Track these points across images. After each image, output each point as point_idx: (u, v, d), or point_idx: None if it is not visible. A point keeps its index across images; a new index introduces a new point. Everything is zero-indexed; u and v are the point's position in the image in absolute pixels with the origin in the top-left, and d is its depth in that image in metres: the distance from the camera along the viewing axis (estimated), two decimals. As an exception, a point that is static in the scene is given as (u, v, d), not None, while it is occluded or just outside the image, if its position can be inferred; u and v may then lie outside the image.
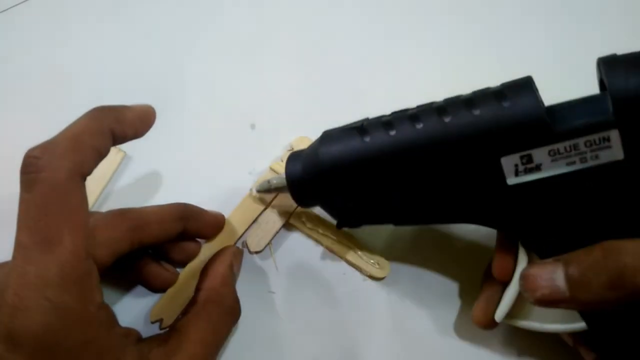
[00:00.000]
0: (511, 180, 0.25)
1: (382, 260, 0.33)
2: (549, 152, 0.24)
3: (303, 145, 0.36)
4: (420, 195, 0.27)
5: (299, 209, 0.34)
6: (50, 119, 0.38)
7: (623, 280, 0.22)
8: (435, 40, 0.41)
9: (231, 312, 0.30)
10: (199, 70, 0.40)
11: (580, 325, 0.26)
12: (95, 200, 0.35)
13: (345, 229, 0.34)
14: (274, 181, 0.32)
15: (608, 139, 0.23)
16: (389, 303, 0.33)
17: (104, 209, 0.35)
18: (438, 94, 0.39)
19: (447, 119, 0.25)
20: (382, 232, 0.34)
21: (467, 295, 0.33)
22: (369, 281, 0.33)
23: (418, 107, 0.27)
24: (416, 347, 0.32)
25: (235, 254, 0.32)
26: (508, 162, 0.24)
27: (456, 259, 0.33)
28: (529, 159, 0.24)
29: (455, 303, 0.33)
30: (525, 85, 0.24)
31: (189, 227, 0.31)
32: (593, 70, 0.25)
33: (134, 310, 0.33)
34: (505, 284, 0.28)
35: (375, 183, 0.27)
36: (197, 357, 0.26)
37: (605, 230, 0.24)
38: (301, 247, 0.34)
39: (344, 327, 0.32)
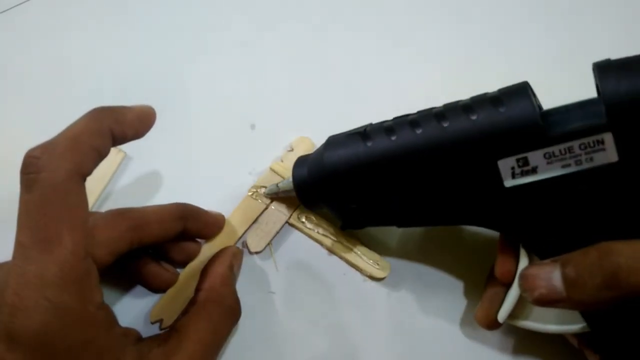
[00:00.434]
0: (508, 183, 0.25)
1: (382, 260, 0.33)
2: (545, 155, 0.24)
3: (303, 145, 0.36)
4: (421, 197, 0.27)
5: (300, 209, 0.35)
6: (51, 119, 0.38)
7: (617, 280, 0.22)
8: (435, 41, 0.41)
9: (231, 312, 0.30)
10: (199, 71, 0.40)
11: (581, 326, 0.26)
12: (95, 200, 0.35)
13: (350, 230, 0.34)
14: (282, 185, 0.33)
15: (602, 142, 0.23)
16: (389, 303, 0.33)
17: (104, 209, 0.35)
18: (437, 93, 0.39)
19: (445, 124, 0.26)
20: (384, 232, 0.34)
21: (470, 296, 0.33)
22: (369, 281, 0.33)
23: (419, 112, 0.27)
24: (416, 347, 0.32)
25: (235, 254, 0.32)
26: (505, 165, 0.25)
27: (457, 259, 0.33)
28: (525, 161, 0.25)
29: (455, 303, 0.33)
30: (521, 91, 0.25)
31: (189, 227, 0.31)
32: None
33: (133, 310, 0.33)
34: (508, 285, 0.28)
35: (378, 186, 0.28)
36: (197, 357, 0.26)
37: (601, 232, 0.24)
38: (301, 247, 0.34)
39: (344, 328, 0.32)
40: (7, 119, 0.39)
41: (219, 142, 0.38)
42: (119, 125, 0.26)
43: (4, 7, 0.43)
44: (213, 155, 0.37)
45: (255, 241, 0.34)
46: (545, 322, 0.28)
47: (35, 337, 0.22)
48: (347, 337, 0.32)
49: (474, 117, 0.25)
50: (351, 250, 0.33)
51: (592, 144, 0.23)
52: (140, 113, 0.27)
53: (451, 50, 0.40)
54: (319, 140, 0.37)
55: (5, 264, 0.28)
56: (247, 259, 0.34)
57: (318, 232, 0.34)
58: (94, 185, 0.35)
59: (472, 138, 0.25)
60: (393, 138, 0.27)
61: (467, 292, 0.33)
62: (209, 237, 0.33)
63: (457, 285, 0.33)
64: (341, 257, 0.34)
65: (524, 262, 0.27)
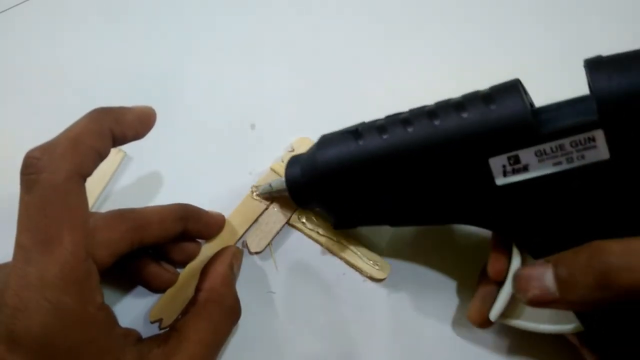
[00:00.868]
0: (499, 181, 0.25)
1: (382, 261, 0.33)
2: (536, 152, 0.24)
3: (304, 145, 0.36)
4: (413, 196, 0.27)
5: (300, 210, 0.35)
6: (50, 120, 0.38)
7: (608, 280, 0.22)
8: (435, 41, 0.41)
9: (231, 312, 0.30)
10: (199, 71, 0.40)
11: (574, 326, 0.26)
12: (95, 200, 0.35)
13: (347, 230, 0.34)
14: (274, 184, 0.33)
15: (593, 139, 0.23)
16: (388, 304, 0.33)
17: (104, 209, 0.35)
18: (438, 93, 0.39)
19: (437, 122, 0.26)
20: (382, 232, 0.34)
21: (465, 295, 0.33)
22: (369, 282, 0.33)
23: (411, 111, 0.27)
24: (416, 348, 0.32)
25: (235, 254, 0.32)
26: (496, 163, 0.25)
27: (457, 259, 0.33)
28: (516, 159, 0.24)
29: (456, 303, 0.33)
30: (512, 88, 0.25)
31: (189, 227, 0.31)
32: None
33: (134, 310, 0.33)
34: (500, 284, 0.28)
35: (370, 185, 0.28)
36: (197, 357, 0.26)
37: (593, 230, 0.24)
38: (301, 247, 0.34)
39: (343, 328, 0.32)
40: (7, 119, 0.39)
41: (219, 142, 0.38)
42: (119, 126, 0.26)
43: (4, 7, 0.43)
44: (213, 155, 0.37)
45: (255, 241, 0.34)
46: (538, 321, 0.28)
47: (36, 338, 0.22)
48: (347, 337, 0.32)
49: (465, 115, 0.25)
50: (351, 250, 0.34)
51: (583, 142, 0.23)
52: (141, 114, 0.27)
53: (451, 49, 0.40)
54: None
55: (6, 265, 0.28)
56: (247, 259, 0.34)
57: (318, 233, 0.34)
58: (93, 185, 0.35)
59: (463, 136, 0.25)
60: (385, 137, 0.27)
61: (464, 292, 0.33)
62: (209, 237, 0.33)
63: (457, 285, 0.33)
64: (341, 258, 0.34)
65: (516, 260, 0.27)
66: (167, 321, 0.31)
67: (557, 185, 0.24)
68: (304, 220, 0.34)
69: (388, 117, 0.28)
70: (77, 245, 0.23)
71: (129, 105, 0.27)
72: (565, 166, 0.24)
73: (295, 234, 0.35)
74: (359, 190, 0.28)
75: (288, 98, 0.39)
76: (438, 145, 0.25)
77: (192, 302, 0.29)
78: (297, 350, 0.32)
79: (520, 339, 0.32)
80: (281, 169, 0.35)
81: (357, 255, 0.33)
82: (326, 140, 0.29)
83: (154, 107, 0.28)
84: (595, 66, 0.23)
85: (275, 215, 0.34)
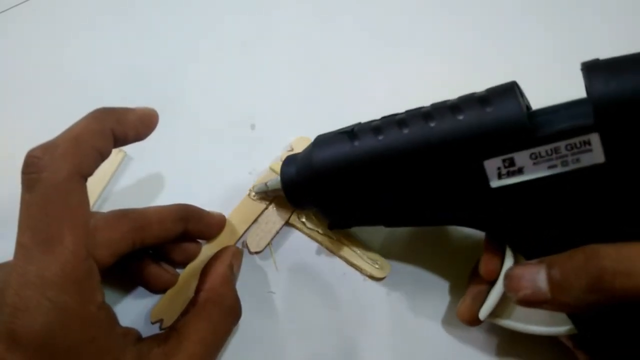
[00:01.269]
0: (494, 183, 0.25)
1: (382, 260, 0.33)
2: (531, 155, 0.24)
3: (303, 145, 0.36)
4: (408, 197, 0.27)
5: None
6: (51, 119, 0.38)
7: (602, 283, 0.22)
8: (435, 41, 0.41)
9: (231, 312, 0.30)
10: (199, 71, 0.40)
11: (566, 328, 0.26)
12: (95, 200, 0.35)
13: (347, 230, 0.34)
14: (270, 184, 0.33)
15: (589, 143, 0.23)
16: (389, 303, 0.33)
17: (105, 209, 0.35)
18: (438, 92, 0.39)
19: (432, 124, 0.25)
20: (381, 232, 0.34)
21: (460, 295, 0.33)
22: (369, 281, 0.33)
23: (407, 112, 0.27)
24: (416, 347, 0.32)
25: (235, 254, 0.32)
26: (491, 166, 0.25)
27: (456, 259, 0.33)
28: (511, 162, 0.24)
29: (455, 304, 0.33)
30: (508, 90, 0.24)
31: (190, 227, 0.31)
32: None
33: (134, 310, 0.33)
34: (491, 283, 0.28)
35: (365, 186, 0.28)
36: (197, 357, 0.26)
37: (587, 233, 0.24)
38: (301, 247, 0.34)
39: (343, 327, 0.32)
40: (7, 119, 0.39)
41: (219, 142, 0.38)
42: (120, 126, 0.26)
43: (4, 7, 0.43)
44: (213, 155, 0.37)
45: (255, 241, 0.34)
46: (529, 322, 0.27)
47: (36, 337, 0.22)
48: (347, 337, 0.32)
49: (460, 117, 0.25)
50: (351, 250, 0.34)
51: (578, 145, 0.23)
52: (142, 115, 0.27)
53: (451, 49, 0.40)
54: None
55: (6, 264, 0.28)
56: (247, 259, 0.34)
57: (318, 232, 0.34)
58: (94, 185, 0.35)
59: (459, 138, 0.25)
60: (380, 138, 0.27)
61: (456, 292, 0.33)
62: (209, 238, 0.33)
63: (457, 285, 0.33)
64: (341, 257, 0.34)
65: (509, 261, 0.27)
66: (168, 322, 0.31)
67: (552, 188, 0.24)
68: (303, 220, 0.34)
69: (384, 118, 0.28)
70: (78, 245, 0.23)
71: (131, 107, 0.27)
72: (560, 169, 0.24)
73: (295, 234, 0.35)
74: (353, 190, 0.28)
75: (288, 98, 0.39)
76: (433, 147, 0.25)
77: (192, 302, 0.29)
78: (297, 350, 0.32)
79: (515, 340, 0.31)
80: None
81: (357, 254, 0.33)
82: (322, 141, 0.29)
83: (155, 107, 0.28)
84: (592, 69, 0.23)
85: (275, 215, 0.34)
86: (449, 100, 0.26)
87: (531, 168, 0.24)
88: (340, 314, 0.33)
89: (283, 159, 0.36)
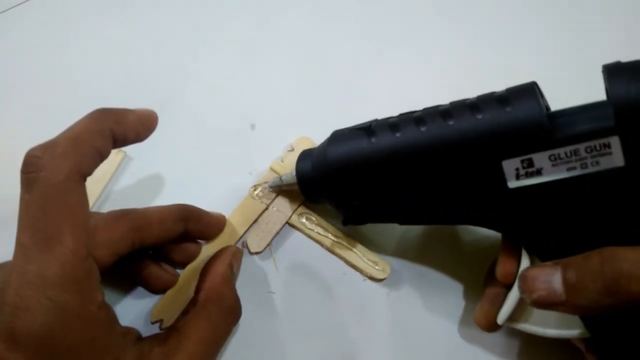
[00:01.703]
0: (512, 184, 0.25)
1: (382, 261, 0.33)
2: (550, 157, 0.24)
3: (303, 145, 0.36)
4: (424, 196, 0.27)
5: (300, 209, 0.35)
6: (51, 119, 0.38)
7: (618, 286, 0.22)
8: (434, 40, 0.41)
9: (231, 312, 0.30)
10: (200, 71, 0.40)
11: (580, 331, 0.26)
12: (95, 200, 0.35)
13: (348, 230, 0.34)
14: (285, 178, 0.33)
15: (609, 146, 0.23)
16: (388, 303, 0.33)
17: (104, 209, 0.35)
18: (438, 92, 0.39)
19: (451, 122, 0.25)
20: (384, 231, 0.34)
21: (469, 297, 0.33)
22: (369, 282, 0.33)
23: (424, 109, 0.27)
24: (415, 348, 0.32)
25: (235, 254, 0.32)
26: (509, 166, 0.25)
27: (457, 260, 0.33)
28: (530, 163, 0.24)
29: (455, 303, 0.33)
30: (528, 91, 0.24)
31: (190, 228, 0.31)
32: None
33: (134, 310, 0.33)
34: (508, 286, 0.28)
35: (380, 183, 0.28)
36: (196, 357, 0.26)
37: (605, 236, 0.24)
38: (301, 247, 0.34)
39: (343, 328, 0.32)
40: (7, 118, 0.39)
41: (219, 142, 0.38)
42: (120, 127, 0.26)
43: (4, 7, 0.43)
44: (213, 155, 0.37)
45: (255, 241, 0.34)
46: (545, 325, 0.27)
47: (37, 336, 0.22)
48: (347, 337, 0.32)
49: (479, 116, 0.25)
50: (351, 250, 0.34)
51: (598, 147, 0.23)
52: (142, 116, 0.27)
53: (451, 48, 0.40)
54: (319, 140, 0.37)
55: (6, 264, 0.28)
56: (247, 259, 0.34)
57: (318, 233, 0.34)
58: (94, 185, 0.35)
59: (477, 137, 0.25)
60: (397, 134, 0.27)
61: (467, 293, 0.33)
62: (209, 238, 0.33)
63: (457, 286, 0.33)
64: (341, 258, 0.34)
65: (525, 263, 0.27)
66: (168, 322, 0.31)
67: (570, 190, 0.24)
68: (304, 220, 0.34)
69: (401, 115, 0.28)
70: (78, 244, 0.23)
71: (131, 108, 0.27)
72: (579, 171, 0.24)
73: (295, 234, 0.35)
74: (368, 187, 0.28)
75: (288, 98, 0.39)
76: (451, 145, 0.25)
77: (192, 301, 0.29)
78: (297, 350, 0.32)
79: (521, 341, 0.31)
80: (281, 168, 0.35)
81: (358, 255, 0.33)
82: (338, 136, 0.29)
83: (154, 107, 0.28)
84: (613, 72, 0.23)
85: (275, 215, 0.34)
86: (467, 99, 0.26)
87: (550, 169, 0.24)
88: (340, 314, 0.33)
89: (284, 159, 0.36)
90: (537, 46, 0.40)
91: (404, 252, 0.34)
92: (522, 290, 0.25)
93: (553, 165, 0.24)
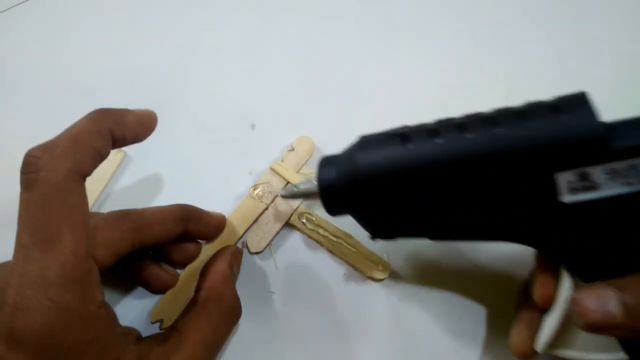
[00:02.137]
0: (565, 198, 0.23)
1: (382, 261, 0.33)
2: (606, 170, 0.22)
3: (304, 145, 0.36)
4: (465, 208, 0.25)
5: (300, 209, 0.34)
6: (50, 119, 0.38)
7: None
8: (435, 41, 0.41)
9: (231, 312, 0.30)
10: (199, 71, 0.40)
11: (619, 355, 0.25)
12: (95, 200, 0.35)
13: (348, 230, 0.34)
14: (304, 187, 0.29)
15: None
16: (388, 304, 0.33)
17: (104, 209, 0.35)
18: (438, 93, 0.39)
19: (498, 130, 0.24)
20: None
21: (469, 302, 0.33)
22: (369, 282, 0.33)
23: (466, 116, 0.25)
24: (415, 348, 0.32)
25: (235, 254, 0.32)
26: (562, 179, 0.23)
27: (458, 261, 0.33)
28: (585, 176, 0.23)
29: (454, 304, 0.33)
30: (582, 100, 0.23)
31: (190, 228, 0.31)
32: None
33: (134, 310, 0.33)
34: (544, 310, 0.27)
35: (417, 194, 0.25)
36: (196, 357, 0.26)
37: None
38: (301, 247, 0.34)
39: (343, 328, 0.32)
40: (7, 118, 0.39)
41: (219, 142, 0.38)
42: (119, 127, 0.26)
43: (4, 7, 0.43)
44: (213, 155, 0.37)
45: (255, 241, 0.34)
46: (587, 350, 0.26)
47: (37, 336, 0.22)
48: (347, 337, 0.32)
49: (530, 125, 0.23)
50: (351, 250, 0.33)
51: None
52: (142, 116, 0.27)
53: (452, 48, 0.40)
54: (319, 140, 0.37)
55: (6, 264, 0.28)
56: (247, 259, 0.34)
57: (318, 233, 0.34)
58: (94, 185, 0.35)
59: (529, 147, 0.23)
60: (438, 141, 0.24)
61: (467, 297, 0.33)
62: (209, 238, 0.33)
63: (457, 287, 0.33)
64: (341, 258, 0.34)
65: (566, 284, 0.25)
66: (168, 322, 0.31)
67: (626, 207, 0.23)
68: (304, 221, 0.34)
69: (439, 121, 0.26)
70: (78, 244, 0.23)
71: (130, 108, 0.27)
72: (637, 187, 0.22)
73: (296, 234, 0.35)
74: (403, 199, 0.25)
75: (288, 98, 0.39)
76: (500, 154, 0.23)
77: (192, 301, 0.29)
78: (297, 350, 0.32)
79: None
80: (281, 168, 0.35)
81: (358, 255, 0.33)
82: (368, 142, 0.26)
83: (154, 106, 0.28)
84: None
85: (276, 215, 0.34)
86: (513, 107, 0.24)
87: (606, 184, 0.23)
88: (340, 314, 0.33)
89: (284, 159, 0.36)
90: (532, 48, 0.40)
91: (406, 254, 0.34)
92: (574, 313, 0.23)
93: (610, 179, 0.23)
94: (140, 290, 0.33)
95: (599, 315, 0.22)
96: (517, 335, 0.27)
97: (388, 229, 0.27)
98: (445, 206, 0.25)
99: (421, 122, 0.26)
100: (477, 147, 0.24)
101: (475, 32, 0.41)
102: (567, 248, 0.24)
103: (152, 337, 0.27)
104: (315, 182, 0.28)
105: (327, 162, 0.28)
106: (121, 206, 0.30)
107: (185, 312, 0.28)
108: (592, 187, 0.23)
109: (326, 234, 0.34)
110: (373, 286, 0.33)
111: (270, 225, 0.34)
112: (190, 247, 0.32)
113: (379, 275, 0.33)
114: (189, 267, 0.32)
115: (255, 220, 0.34)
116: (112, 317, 0.25)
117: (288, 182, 0.35)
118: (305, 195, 0.30)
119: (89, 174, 0.25)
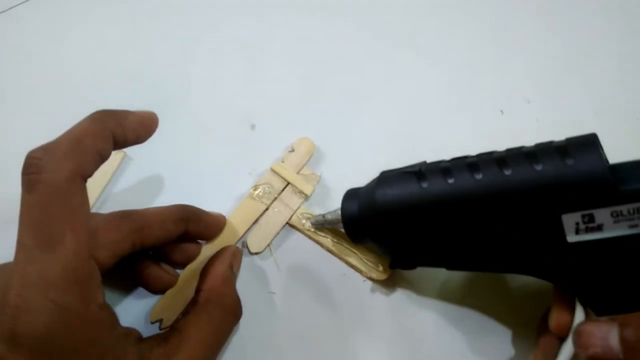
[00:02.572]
0: (571, 238, 0.24)
1: (382, 262, 0.33)
2: (612, 213, 0.23)
3: (304, 146, 0.36)
4: (476, 244, 0.26)
5: (300, 210, 0.35)
6: (51, 120, 0.38)
7: None
8: (435, 43, 0.41)
9: (232, 312, 0.30)
10: (200, 71, 0.40)
11: None
12: (95, 200, 0.35)
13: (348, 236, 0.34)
14: (329, 217, 0.32)
15: None
16: (388, 304, 0.33)
17: (104, 209, 0.35)
18: (437, 94, 0.39)
19: (507, 172, 0.25)
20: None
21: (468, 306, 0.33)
22: (369, 283, 0.33)
23: (478, 156, 0.27)
24: (415, 349, 0.32)
25: (235, 254, 0.32)
26: (569, 220, 0.24)
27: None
28: (591, 218, 0.24)
29: (454, 305, 0.33)
30: (590, 143, 0.24)
31: (190, 228, 0.31)
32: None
33: (134, 310, 0.33)
34: (562, 338, 0.27)
35: (431, 229, 0.27)
36: (197, 357, 0.27)
37: None
38: (301, 248, 0.34)
39: (343, 328, 0.32)
40: (7, 119, 0.39)
41: (219, 142, 0.38)
42: (120, 128, 0.26)
43: (4, 7, 0.43)
44: (213, 155, 0.37)
45: (255, 242, 0.34)
46: None
47: (38, 337, 0.22)
48: (347, 338, 0.32)
49: (538, 167, 0.24)
50: (351, 251, 0.34)
51: None
52: (143, 118, 0.27)
53: (453, 51, 0.40)
54: (319, 139, 0.37)
55: (7, 265, 0.28)
56: (247, 259, 0.34)
57: (318, 233, 0.34)
58: (93, 185, 0.35)
59: (536, 189, 0.24)
60: (450, 181, 0.26)
61: (467, 298, 0.33)
62: (210, 238, 0.33)
63: (457, 289, 0.33)
64: (341, 259, 0.34)
65: (579, 316, 0.26)
66: (168, 321, 0.31)
67: (631, 248, 0.24)
68: (304, 221, 0.34)
69: (453, 160, 0.27)
70: (79, 245, 0.23)
71: (131, 109, 0.27)
72: None
73: (296, 235, 0.35)
74: (418, 233, 0.27)
75: (288, 98, 0.39)
76: (509, 196, 0.25)
77: (193, 302, 0.29)
78: (296, 351, 0.32)
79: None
80: (281, 169, 0.35)
81: (358, 256, 0.33)
82: (386, 179, 0.28)
83: (155, 107, 0.28)
84: None
85: (276, 215, 0.34)
86: (523, 148, 0.26)
87: (611, 226, 0.23)
88: (339, 314, 0.33)
89: (284, 160, 0.36)
90: (533, 50, 0.40)
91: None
92: (577, 345, 0.24)
93: (615, 221, 0.23)
94: (140, 290, 0.33)
95: (599, 349, 0.23)
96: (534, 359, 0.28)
97: (406, 259, 0.29)
98: (459, 240, 0.27)
99: (436, 160, 0.28)
100: (487, 188, 0.25)
101: (475, 32, 0.41)
102: (577, 283, 0.25)
103: (153, 338, 0.27)
104: (339, 213, 0.31)
105: (350, 195, 0.31)
106: (121, 206, 0.30)
107: (186, 313, 0.29)
108: (598, 228, 0.24)
109: (327, 234, 0.34)
110: (373, 287, 0.33)
111: (270, 226, 0.34)
112: (190, 247, 0.32)
113: (379, 276, 0.33)
114: (188, 267, 0.33)
115: (256, 221, 0.35)
116: (113, 318, 0.25)
117: (288, 183, 0.35)
118: (331, 224, 0.33)
119: (90, 175, 0.25)
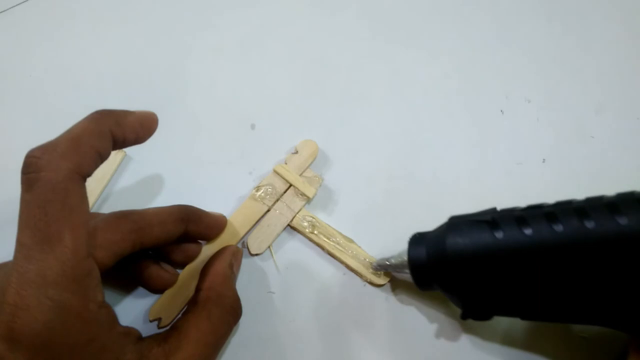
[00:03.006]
0: None
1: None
2: None
3: (308, 148, 0.36)
4: (552, 295, 0.26)
5: (301, 212, 0.35)
6: (51, 119, 0.38)
7: None
8: (436, 43, 0.41)
9: (231, 312, 0.30)
10: (200, 71, 0.40)
11: None
12: (95, 200, 0.35)
13: (353, 234, 0.34)
14: (394, 261, 0.31)
15: None
16: (388, 306, 0.33)
17: (104, 209, 0.35)
18: (437, 94, 0.39)
19: (589, 224, 0.24)
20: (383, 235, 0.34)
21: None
22: (369, 286, 0.33)
23: (555, 205, 0.26)
24: (414, 352, 0.32)
25: (235, 254, 0.32)
26: None
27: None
28: None
29: (453, 308, 0.33)
30: None
31: (190, 228, 0.31)
32: None
33: (134, 310, 0.33)
34: None
35: (506, 280, 0.26)
36: (196, 357, 0.26)
37: None
38: (302, 250, 0.34)
39: (342, 329, 0.32)
40: (7, 119, 0.39)
41: (219, 142, 0.38)
42: (120, 128, 0.26)
43: (4, 7, 0.43)
44: (213, 155, 0.37)
45: (255, 243, 0.34)
46: None
47: (37, 336, 0.22)
48: (346, 339, 0.32)
49: (621, 220, 0.24)
50: (352, 255, 0.33)
51: None
52: (142, 118, 0.27)
53: (453, 50, 0.40)
54: (318, 139, 0.37)
55: (6, 264, 0.28)
56: (247, 260, 0.34)
57: (319, 236, 0.34)
58: (93, 185, 0.35)
59: (621, 243, 0.24)
60: (527, 232, 0.25)
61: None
62: (210, 238, 0.33)
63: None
64: (341, 262, 0.34)
65: None
66: (166, 320, 0.31)
67: None
68: (305, 224, 0.34)
69: (528, 209, 0.27)
70: (78, 244, 0.23)
71: (131, 109, 0.27)
72: None
73: (297, 237, 0.35)
74: (492, 283, 0.26)
75: (288, 98, 0.39)
76: (591, 249, 0.24)
77: (192, 301, 0.29)
78: (296, 351, 0.32)
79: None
80: (284, 171, 0.35)
81: (358, 259, 0.33)
82: (457, 226, 0.27)
83: (154, 107, 0.28)
84: None
85: (277, 217, 0.34)
86: (603, 198, 0.25)
87: None
88: (339, 317, 0.33)
89: (287, 162, 0.36)
90: (533, 51, 0.40)
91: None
92: None
93: None
94: (140, 290, 0.33)
95: None
96: None
97: (479, 309, 0.28)
98: (535, 291, 0.26)
99: (509, 207, 0.27)
100: (568, 241, 0.24)
101: (475, 31, 0.41)
102: None
103: (152, 337, 0.27)
104: (405, 258, 0.30)
105: (417, 240, 0.30)
106: (121, 206, 0.30)
107: (185, 312, 0.28)
108: None
109: (328, 237, 0.34)
110: (372, 290, 0.33)
111: (271, 228, 0.34)
112: (190, 247, 0.32)
113: (379, 280, 0.33)
114: (188, 267, 0.32)
115: (257, 222, 0.34)
116: (112, 317, 0.25)
117: (291, 185, 0.35)
118: (395, 269, 0.31)
119: (89, 174, 0.25)
